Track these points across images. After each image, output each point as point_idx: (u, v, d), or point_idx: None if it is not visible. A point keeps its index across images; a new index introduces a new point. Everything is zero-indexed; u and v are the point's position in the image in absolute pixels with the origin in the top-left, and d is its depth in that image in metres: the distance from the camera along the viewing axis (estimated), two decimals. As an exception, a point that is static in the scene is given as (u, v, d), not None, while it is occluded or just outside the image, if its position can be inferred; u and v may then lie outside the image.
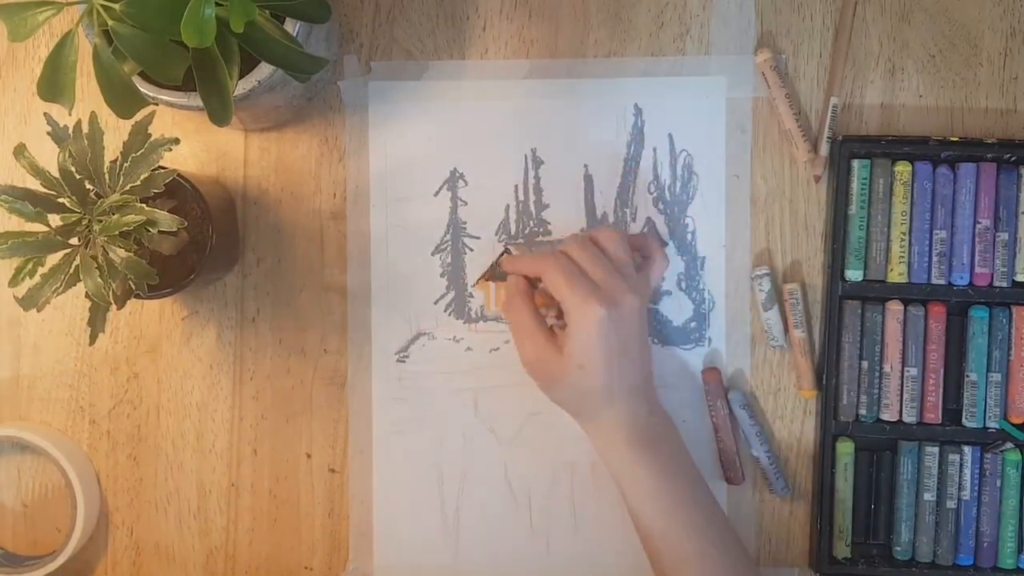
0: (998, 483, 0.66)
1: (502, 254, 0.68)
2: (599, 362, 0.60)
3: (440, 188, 0.69)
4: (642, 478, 0.60)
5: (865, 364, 0.66)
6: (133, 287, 0.55)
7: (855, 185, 0.66)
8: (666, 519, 0.60)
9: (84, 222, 0.54)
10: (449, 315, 0.69)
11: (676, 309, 0.69)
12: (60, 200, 0.54)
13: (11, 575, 0.68)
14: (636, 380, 0.62)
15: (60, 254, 0.54)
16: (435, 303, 0.69)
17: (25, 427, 0.68)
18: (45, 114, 0.54)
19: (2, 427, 0.68)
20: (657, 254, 0.65)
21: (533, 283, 0.64)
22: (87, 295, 0.54)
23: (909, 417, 0.66)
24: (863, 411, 0.66)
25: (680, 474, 0.62)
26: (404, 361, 0.69)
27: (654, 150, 0.68)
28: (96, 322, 0.55)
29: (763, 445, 0.67)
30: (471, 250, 0.69)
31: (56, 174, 0.54)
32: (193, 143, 0.69)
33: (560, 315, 0.63)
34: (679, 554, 0.60)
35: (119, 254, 0.53)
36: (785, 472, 0.68)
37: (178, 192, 0.62)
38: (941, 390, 0.66)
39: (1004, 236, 0.66)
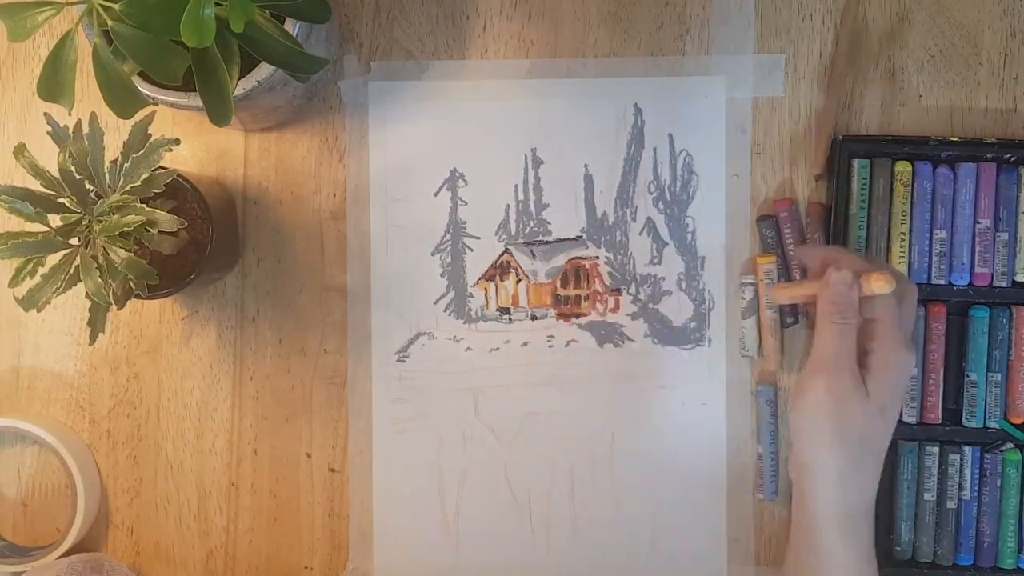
0: (998, 483, 0.66)
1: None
2: (893, 414, 0.56)
3: (440, 188, 0.69)
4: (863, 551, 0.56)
5: (865, 364, 0.66)
6: (133, 287, 0.55)
7: (855, 185, 0.66)
8: None
9: (84, 222, 0.54)
10: (449, 315, 0.69)
11: (676, 309, 0.69)
12: (60, 200, 0.54)
13: (15, 565, 0.68)
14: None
15: (60, 254, 0.54)
16: (435, 303, 0.69)
17: (23, 416, 0.68)
18: (45, 114, 0.54)
19: (1, 417, 0.68)
20: None
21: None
22: (87, 295, 0.54)
23: (909, 417, 0.66)
24: (863, 411, 0.66)
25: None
26: (404, 361, 0.69)
27: (654, 150, 0.68)
28: (96, 322, 0.55)
29: (772, 445, 0.67)
30: (471, 250, 0.69)
31: (56, 174, 0.54)
32: (193, 143, 0.69)
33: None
34: None
35: (119, 254, 0.53)
36: (779, 477, 0.68)
37: (178, 192, 0.62)
38: (941, 390, 0.66)
39: (1004, 236, 0.66)
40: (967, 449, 0.66)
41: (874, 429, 0.56)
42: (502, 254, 0.69)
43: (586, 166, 0.69)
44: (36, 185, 0.54)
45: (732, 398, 0.68)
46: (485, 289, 0.69)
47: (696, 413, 0.68)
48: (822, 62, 0.68)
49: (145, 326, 0.70)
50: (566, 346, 0.69)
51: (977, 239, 0.65)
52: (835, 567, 0.56)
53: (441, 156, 0.69)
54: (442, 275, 0.69)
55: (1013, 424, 0.66)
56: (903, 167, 0.66)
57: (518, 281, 0.69)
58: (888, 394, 0.55)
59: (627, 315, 0.69)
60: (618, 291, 0.69)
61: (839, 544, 0.55)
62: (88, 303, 0.55)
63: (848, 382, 0.55)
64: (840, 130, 0.68)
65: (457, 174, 0.69)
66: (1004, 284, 0.66)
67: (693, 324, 0.68)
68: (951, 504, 0.66)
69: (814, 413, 0.56)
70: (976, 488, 0.66)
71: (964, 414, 0.66)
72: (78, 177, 0.54)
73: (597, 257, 0.69)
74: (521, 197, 0.69)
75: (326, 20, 0.56)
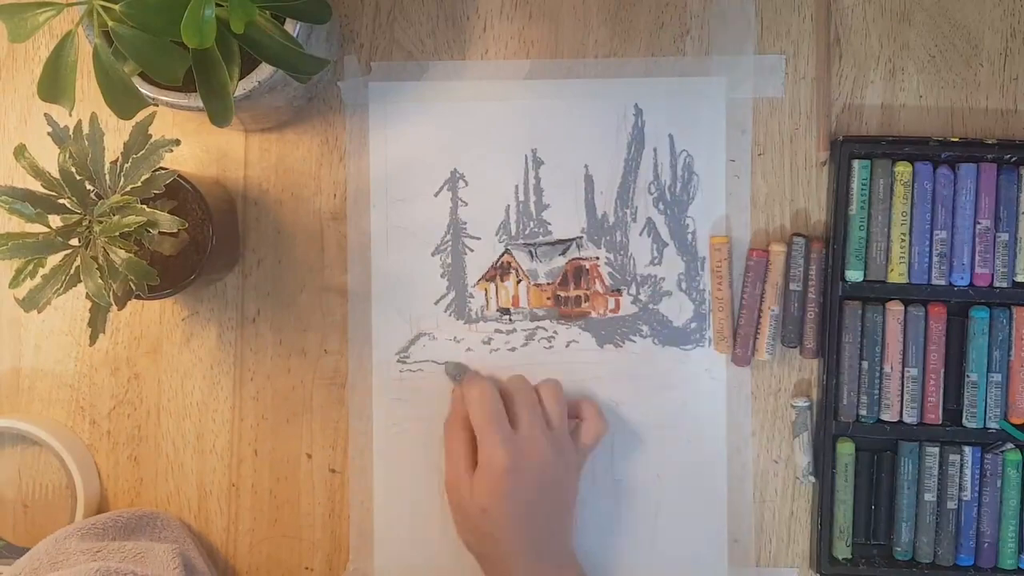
0: (998, 483, 0.66)
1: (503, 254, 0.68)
2: (500, 511, 0.60)
3: (440, 188, 0.69)
4: None
5: (865, 365, 0.66)
6: (133, 288, 0.55)
7: (855, 185, 0.66)
8: None
9: (84, 223, 0.54)
10: (449, 315, 0.69)
11: (676, 309, 0.69)
12: (60, 201, 0.54)
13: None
14: (541, 536, 0.61)
15: (60, 255, 0.54)
16: (435, 303, 0.69)
17: (23, 417, 0.68)
18: (45, 115, 0.54)
19: (1, 418, 0.68)
20: (592, 418, 0.66)
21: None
22: (87, 296, 0.54)
23: (909, 417, 0.66)
24: (864, 412, 0.66)
25: None
26: (405, 362, 0.69)
27: (654, 150, 0.68)
28: (96, 323, 0.55)
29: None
30: (471, 251, 0.69)
31: (56, 175, 0.54)
32: (193, 144, 0.69)
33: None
34: None
35: (119, 255, 0.53)
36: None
37: (179, 193, 0.62)
38: (941, 390, 0.66)
39: (1004, 236, 0.66)
40: (967, 449, 0.66)
41: (479, 522, 0.61)
42: (502, 255, 0.69)
43: (586, 166, 0.69)
44: (36, 186, 0.54)
45: (732, 398, 0.68)
46: (485, 290, 0.69)
47: (696, 413, 0.68)
48: (822, 62, 0.68)
49: (145, 327, 0.70)
50: (566, 347, 0.69)
51: (977, 239, 0.65)
52: None
53: (441, 157, 0.69)
54: (442, 276, 0.69)
55: (1013, 424, 0.66)
56: (903, 167, 0.66)
57: (518, 282, 0.69)
58: (482, 493, 0.61)
59: (627, 316, 0.69)
60: (618, 291, 0.69)
61: None
62: (88, 304, 0.55)
63: (457, 485, 0.62)
64: (840, 130, 0.68)
65: (457, 175, 0.69)
66: (1004, 284, 0.66)
67: (693, 324, 0.68)
68: (951, 504, 0.66)
69: (451, 510, 0.64)
70: (976, 489, 0.66)
71: (964, 414, 0.66)
72: (78, 178, 0.54)
73: (597, 258, 0.69)
74: (521, 198, 0.69)
75: (326, 20, 0.56)
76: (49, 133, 0.55)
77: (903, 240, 0.66)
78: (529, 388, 0.65)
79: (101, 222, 0.54)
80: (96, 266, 0.53)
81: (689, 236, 0.68)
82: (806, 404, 0.67)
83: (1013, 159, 0.66)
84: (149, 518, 0.67)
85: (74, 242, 0.54)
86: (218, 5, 0.47)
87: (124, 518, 0.65)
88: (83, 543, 0.61)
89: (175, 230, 0.54)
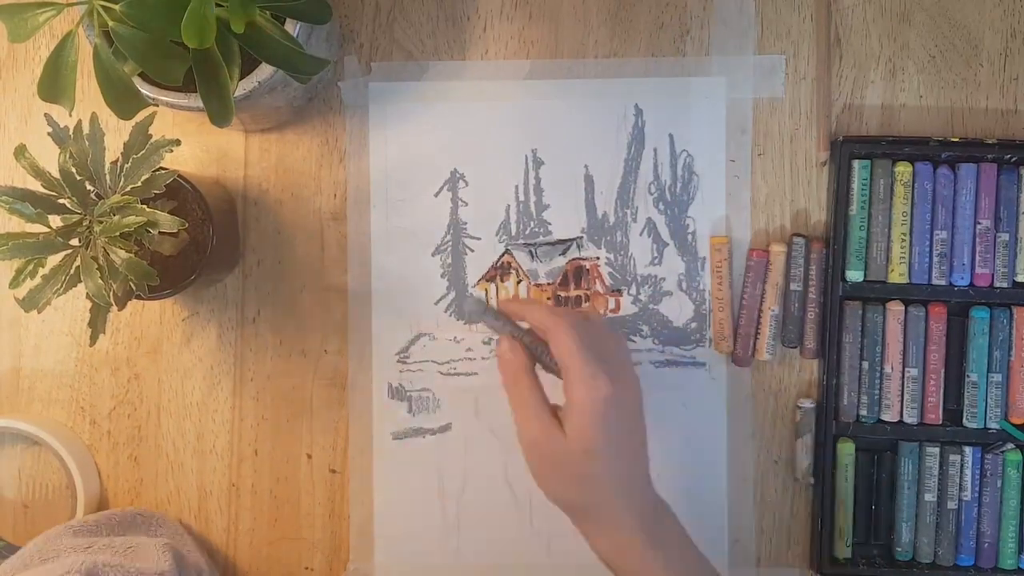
0: (999, 484, 0.66)
1: (502, 254, 0.66)
2: (607, 446, 0.53)
3: (440, 189, 0.69)
4: None
5: (866, 365, 0.66)
6: (134, 288, 0.55)
7: (856, 186, 0.66)
8: None
9: (85, 223, 0.54)
10: (449, 316, 0.69)
11: (676, 309, 0.69)
12: (61, 201, 0.54)
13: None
14: (645, 471, 0.56)
15: (61, 255, 0.54)
16: (435, 304, 0.69)
17: (23, 417, 0.69)
18: (46, 115, 0.54)
19: (1, 418, 0.68)
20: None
21: (532, 353, 0.57)
22: (88, 296, 0.54)
23: (910, 418, 0.66)
24: (864, 412, 0.66)
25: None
26: (404, 361, 0.69)
27: (654, 151, 0.68)
28: (97, 323, 0.55)
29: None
30: (471, 251, 0.69)
31: (57, 175, 0.54)
32: (193, 144, 0.69)
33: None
34: None
35: (120, 255, 0.53)
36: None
37: (179, 193, 0.62)
38: (942, 391, 0.66)
39: (1005, 236, 0.66)
40: (968, 450, 0.66)
41: (585, 466, 0.53)
42: (503, 255, 0.69)
43: (586, 167, 0.69)
44: (37, 186, 0.54)
45: (732, 398, 0.68)
46: (486, 290, 0.69)
47: (696, 414, 0.68)
48: (822, 63, 0.68)
49: (146, 327, 0.70)
50: (566, 347, 0.69)
51: (977, 240, 0.66)
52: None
53: (442, 157, 0.69)
54: (442, 276, 0.69)
55: (1014, 424, 0.66)
56: (903, 168, 0.66)
57: (519, 282, 0.69)
58: (584, 433, 0.53)
59: (627, 316, 0.69)
60: (619, 292, 0.69)
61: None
62: (88, 304, 0.55)
63: (545, 436, 0.54)
64: (840, 130, 0.68)
65: (458, 175, 0.69)
66: (1005, 285, 0.66)
67: (693, 325, 0.68)
68: (952, 505, 0.66)
69: (537, 467, 0.55)
70: (977, 489, 0.66)
71: (965, 415, 0.66)
72: (78, 178, 0.54)
73: (598, 258, 0.69)
74: (522, 198, 0.69)
75: (326, 21, 0.56)
76: (49, 133, 0.55)
77: (903, 240, 0.66)
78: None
79: (101, 222, 0.54)
80: (96, 266, 0.53)
81: (689, 236, 0.68)
82: (812, 406, 0.67)
83: (1013, 159, 0.66)
84: (144, 517, 0.67)
85: (74, 242, 0.54)
86: (218, 5, 0.47)
87: (118, 517, 0.65)
88: (75, 539, 0.61)
89: (175, 230, 0.54)
